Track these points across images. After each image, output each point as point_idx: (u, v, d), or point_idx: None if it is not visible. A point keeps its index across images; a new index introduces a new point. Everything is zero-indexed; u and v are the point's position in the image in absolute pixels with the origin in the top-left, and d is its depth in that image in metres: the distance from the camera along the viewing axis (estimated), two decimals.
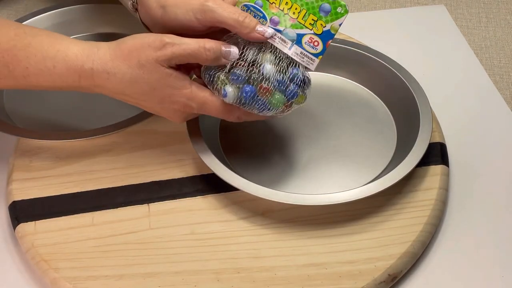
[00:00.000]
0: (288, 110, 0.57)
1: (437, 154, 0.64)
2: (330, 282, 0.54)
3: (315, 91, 0.68)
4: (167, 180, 0.63)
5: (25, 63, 0.55)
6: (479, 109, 0.73)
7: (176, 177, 0.63)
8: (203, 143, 0.62)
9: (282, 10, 0.55)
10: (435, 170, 0.63)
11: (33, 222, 0.59)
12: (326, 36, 0.54)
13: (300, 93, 0.56)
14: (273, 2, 0.55)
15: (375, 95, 0.71)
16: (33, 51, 0.55)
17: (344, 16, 0.54)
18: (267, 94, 0.55)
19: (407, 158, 0.60)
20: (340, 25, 0.54)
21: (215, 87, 0.56)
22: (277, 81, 0.55)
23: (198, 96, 0.56)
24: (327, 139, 0.66)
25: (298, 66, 0.56)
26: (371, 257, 0.56)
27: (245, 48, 0.56)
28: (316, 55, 0.55)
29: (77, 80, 0.56)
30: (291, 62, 0.56)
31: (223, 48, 0.55)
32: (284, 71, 0.56)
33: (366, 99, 0.71)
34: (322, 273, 0.55)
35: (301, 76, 0.56)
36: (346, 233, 0.58)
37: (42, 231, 0.58)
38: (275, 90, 0.55)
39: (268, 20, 0.56)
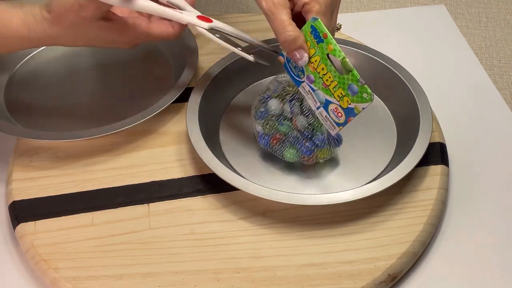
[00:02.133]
0: (312, 161, 0.61)
1: (437, 154, 0.64)
2: (329, 282, 0.54)
3: None
4: (167, 180, 0.63)
5: None
6: (479, 109, 0.73)
7: (176, 177, 0.63)
8: (203, 143, 0.62)
9: (318, 73, 0.57)
10: (435, 170, 0.63)
11: (33, 222, 0.59)
12: (350, 112, 0.56)
13: (323, 148, 0.60)
14: (312, 62, 0.57)
15: (375, 95, 0.71)
16: None
17: (369, 103, 0.55)
18: (277, 144, 0.61)
19: (407, 158, 0.60)
20: (363, 108, 0.56)
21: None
22: (292, 137, 0.61)
23: (136, 35, 0.62)
24: None
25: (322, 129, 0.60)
26: (371, 257, 0.56)
27: (290, 101, 0.61)
28: (338, 124, 0.58)
29: (31, 45, 0.60)
30: (318, 124, 0.60)
31: None
32: (302, 130, 0.60)
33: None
34: (321, 273, 0.55)
35: (321, 137, 0.60)
36: (346, 233, 0.58)
37: (42, 231, 0.58)
38: (289, 145, 0.61)
39: (306, 76, 0.58)
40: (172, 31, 0.62)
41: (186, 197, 0.61)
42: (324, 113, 0.58)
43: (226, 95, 0.71)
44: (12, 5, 0.59)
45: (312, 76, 0.57)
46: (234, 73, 0.71)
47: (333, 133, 0.59)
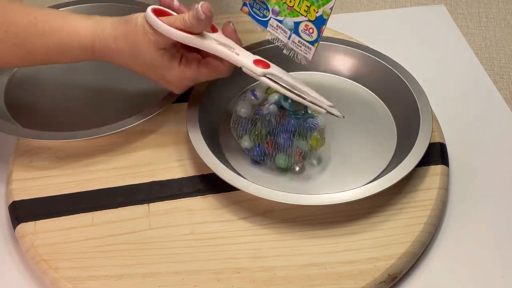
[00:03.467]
0: (300, 157, 0.61)
1: (437, 154, 0.64)
2: (330, 282, 0.54)
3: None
4: (167, 180, 0.63)
5: (45, 48, 0.60)
6: (479, 109, 0.73)
7: (176, 177, 0.63)
8: (203, 143, 0.62)
9: (281, 0, 0.58)
10: (435, 170, 0.63)
11: (33, 222, 0.59)
12: (320, 22, 0.56)
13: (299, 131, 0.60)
14: None
15: (375, 95, 0.71)
16: (49, 37, 0.60)
17: (334, 0, 0.55)
18: (272, 150, 0.61)
19: (407, 159, 0.60)
20: (330, 9, 0.55)
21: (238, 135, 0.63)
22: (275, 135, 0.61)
23: (187, 74, 0.62)
24: (327, 139, 0.66)
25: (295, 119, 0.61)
26: (371, 257, 0.56)
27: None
28: (311, 42, 0.57)
29: (91, 56, 0.62)
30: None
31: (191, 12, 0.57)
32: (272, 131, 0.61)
33: (366, 99, 0.71)
34: (322, 273, 0.55)
35: (294, 121, 0.60)
36: (346, 233, 0.58)
37: (42, 231, 0.58)
38: (278, 152, 0.61)
39: (270, 11, 0.59)
40: (223, 67, 0.62)
41: (186, 197, 0.61)
42: (297, 38, 0.58)
43: (226, 95, 0.71)
44: (81, 15, 0.61)
45: (276, 8, 0.59)
46: (234, 73, 0.71)
47: (310, 56, 0.58)
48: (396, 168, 0.59)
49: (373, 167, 0.63)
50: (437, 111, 0.69)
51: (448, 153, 0.66)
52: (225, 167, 0.60)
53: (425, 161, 0.62)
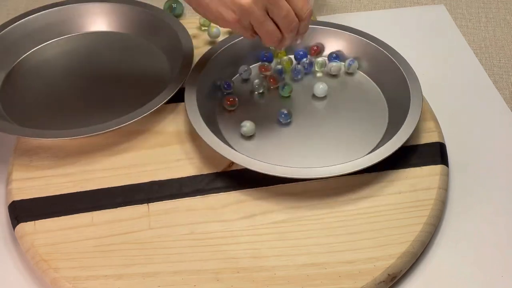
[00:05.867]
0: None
1: (436, 154, 0.64)
2: (329, 282, 0.54)
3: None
4: (166, 180, 0.63)
5: None
6: (479, 109, 0.73)
7: (176, 177, 0.63)
8: (208, 132, 0.63)
9: None
10: (435, 170, 0.63)
11: (33, 221, 0.59)
12: None
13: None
14: None
15: (368, 78, 0.73)
16: None
17: None
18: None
19: (395, 137, 0.62)
20: None
21: None
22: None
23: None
24: (317, 121, 0.67)
25: None
26: (371, 257, 0.56)
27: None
28: None
29: None
30: None
31: None
32: None
33: (359, 81, 0.73)
34: (321, 273, 0.55)
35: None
36: (346, 233, 0.58)
37: (41, 231, 0.58)
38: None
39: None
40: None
41: (186, 197, 0.61)
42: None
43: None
44: None
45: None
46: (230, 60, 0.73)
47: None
48: (385, 145, 0.61)
49: (363, 147, 0.65)
50: (437, 111, 0.69)
51: (448, 153, 0.66)
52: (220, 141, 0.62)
53: (425, 160, 0.62)
